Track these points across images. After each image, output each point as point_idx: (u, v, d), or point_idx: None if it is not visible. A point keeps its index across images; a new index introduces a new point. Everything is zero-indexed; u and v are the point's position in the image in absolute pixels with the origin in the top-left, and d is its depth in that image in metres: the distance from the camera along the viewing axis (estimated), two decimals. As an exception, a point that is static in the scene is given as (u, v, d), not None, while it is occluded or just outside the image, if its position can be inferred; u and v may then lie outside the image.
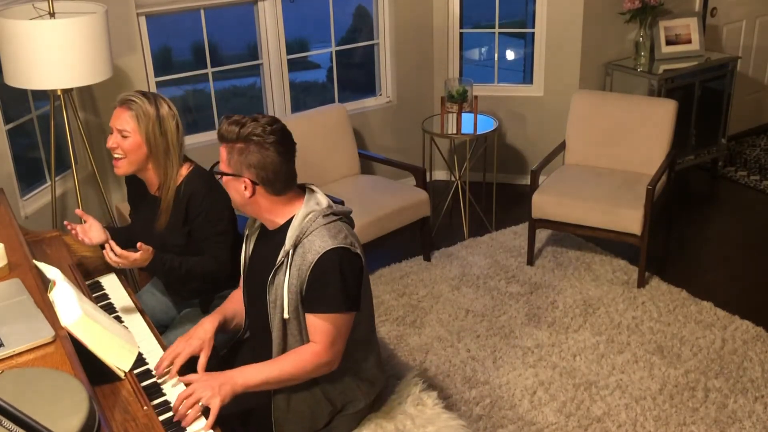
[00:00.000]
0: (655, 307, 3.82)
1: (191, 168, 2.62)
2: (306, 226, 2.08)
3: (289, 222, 2.13)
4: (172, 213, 2.57)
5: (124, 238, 2.70)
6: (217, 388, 1.98)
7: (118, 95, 2.56)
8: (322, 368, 2.13)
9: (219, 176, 2.14)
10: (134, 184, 2.73)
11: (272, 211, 2.14)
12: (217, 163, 2.15)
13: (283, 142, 2.09)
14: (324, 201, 2.17)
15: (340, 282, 2.05)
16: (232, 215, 2.60)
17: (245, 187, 2.09)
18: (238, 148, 2.06)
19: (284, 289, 2.09)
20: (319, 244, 2.05)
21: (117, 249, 2.37)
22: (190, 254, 2.58)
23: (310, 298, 2.08)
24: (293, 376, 2.11)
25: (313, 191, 2.18)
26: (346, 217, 2.19)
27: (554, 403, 3.19)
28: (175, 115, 2.55)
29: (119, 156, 2.53)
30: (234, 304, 2.38)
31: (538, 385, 3.29)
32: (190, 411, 1.94)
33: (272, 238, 2.17)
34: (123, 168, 2.55)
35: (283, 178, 2.11)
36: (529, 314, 3.80)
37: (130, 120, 2.49)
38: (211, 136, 4.49)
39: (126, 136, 2.49)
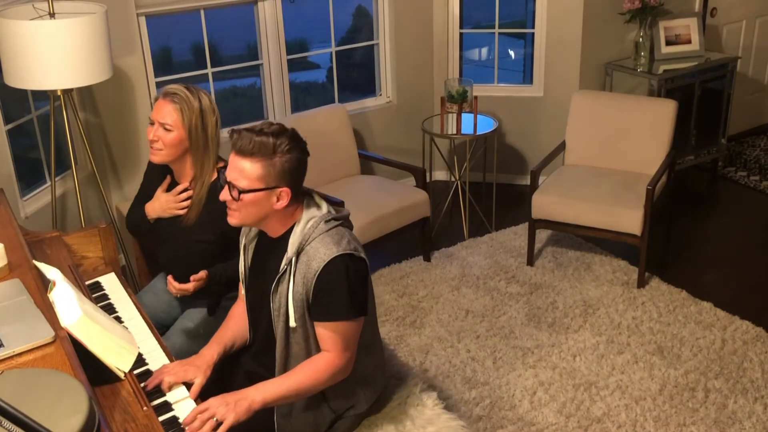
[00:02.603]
0: (655, 308, 3.82)
1: (224, 166, 2.61)
2: (308, 233, 2.07)
3: (290, 229, 2.12)
4: (204, 208, 2.58)
5: (148, 224, 2.72)
6: (232, 404, 1.96)
7: (163, 89, 2.54)
8: (338, 375, 2.12)
9: (240, 196, 2.02)
10: (159, 168, 2.70)
11: (282, 219, 2.11)
12: (232, 187, 2.04)
13: (304, 143, 2.09)
14: (323, 205, 2.16)
15: (346, 289, 2.04)
16: None
17: (278, 198, 2.05)
18: (278, 159, 2.01)
19: (288, 297, 2.08)
20: (324, 251, 2.03)
21: (175, 284, 2.41)
22: (217, 250, 2.59)
23: (318, 307, 2.06)
24: (310, 387, 2.09)
25: (311, 195, 2.18)
26: (346, 221, 2.18)
27: (554, 404, 3.19)
28: (215, 110, 2.55)
29: (160, 148, 2.52)
30: (232, 325, 2.34)
31: (538, 386, 3.29)
32: (204, 425, 1.91)
33: (273, 247, 2.15)
34: (161, 158, 2.55)
35: (303, 181, 2.11)
36: (529, 314, 3.80)
37: (174, 113, 2.48)
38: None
39: (169, 129, 2.48)
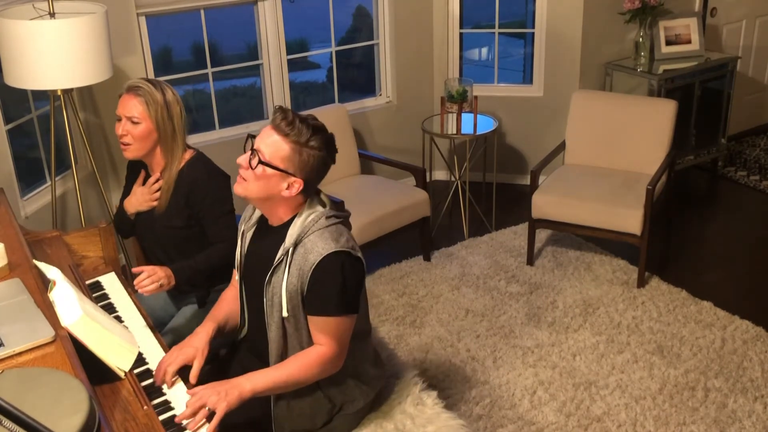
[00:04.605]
0: (655, 307, 3.82)
1: (193, 154, 2.68)
2: (308, 226, 2.09)
3: (290, 220, 2.14)
4: (173, 195, 2.63)
5: (128, 221, 2.79)
6: (223, 393, 1.98)
7: (126, 84, 2.60)
8: (328, 369, 2.14)
9: (258, 166, 2.04)
10: (137, 166, 2.76)
11: (285, 208, 2.14)
12: (254, 154, 2.04)
13: (335, 151, 2.13)
14: (327, 202, 2.19)
15: (340, 286, 2.06)
16: (231, 195, 2.65)
17: (288, 186, 2.07)
18: (307, 152, 2.04)
19: (282, 287, 2.09)
20: (322, 246, 2.05)
21: (144, 286, 2.41)
22: (189, 236, 2.66)
23: (311, 300, 2.08)
24: (300, 379, 2.11)
25: (317, 193, 2.20)
26: (345, 221, 2.20)
27: (554, 403, 3.19)
28: (179, 100, 2.61)
29: (129, 142, 2.57)
30: (225, 306, 2.36)
31: (537, 385, 3.29)
32: (198, 415, 1.92)
33: (271, 235, 2.17)
34: (132, 153, 2.60)
35: (318, 182, 2.14)
36: (529, 314, 3.80)
37: (139, 105, 2.53)
38: (211, 136, 4.49)
39: (136, 122, 2.53)
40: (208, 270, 2.62)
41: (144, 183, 2.74)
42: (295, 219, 2.12)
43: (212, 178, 2.64)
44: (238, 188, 2.12)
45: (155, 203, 2.68)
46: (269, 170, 2.05)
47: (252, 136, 2.12)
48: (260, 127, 2.12)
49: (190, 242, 2.66)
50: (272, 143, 2.04)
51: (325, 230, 2.09)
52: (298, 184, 2.07)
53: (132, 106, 2.53)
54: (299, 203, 2.14)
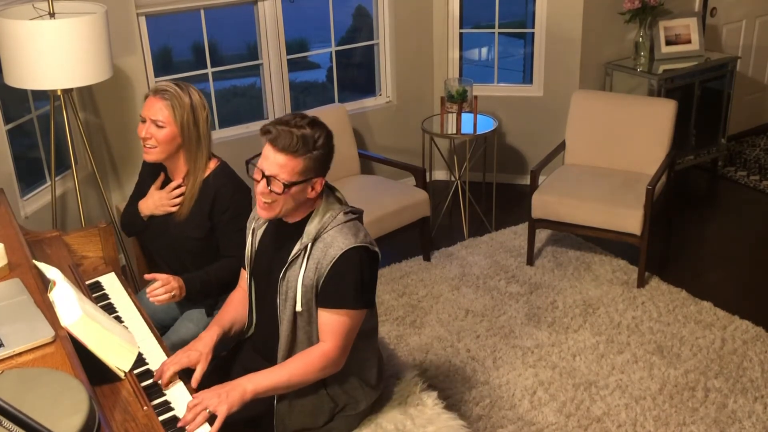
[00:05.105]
0: (655, 307, 3.82)
1: (218, 163, 2.65)
2: (327, 222, 2.12)
3: (306, 217, 2.15)
4: (196, 204, 2.59)
5: (141, 221, 2.74)
6: (224, 395, 1.98)
7: (152, 86, 2.57)
8: (330, 368, 2.15)
9: (285, 188, 2.04)
10: (155, 167, 2.70)
11: (303, 207, 2.14)
12: (273, 181, 2.03)
13: (331, 131, 2.14)
14: (342, 198, 2.22)
15: (358, 279, 2.09)
16: (251, 211, 2.63)
17: (312, 188, 2.10)
18: (317, 152, 2.06)
19: (298, 282, 2.11)
20: (342, 240, 2.09)
21: (159, 296, 2.38)
22: (207, 246, 2.62)
23: (327, 293, 2.10)
24: (302, 379, 2.12)
25: (331, 188, 2.22)
26: (360, 217, 2.23)
27: (554, 403, 3.19)
28: (205, 105, 2.58)
29: (153, 145, 2.53)
30: (231, 310, 2.36)
31: (537, 385, 3.29)
32: (197, 418, 1.92)
33: (284, 232, 2.18)
34: (154, 156, 2.55)
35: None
36: (529, 314, 3.80)
37: (165, 109, 2.49)
38: (212, 135, 4.48)
39: (161, 126, 2.50)
40: (218, 283, 2.60)
41: (162, 186, 2.69)
42: (313, 215, 2.14)
43: (237, 192, 2.60)
44: (266, 214, 2.11)
45: (174, 209, 2.63)
46: (294, 187, 2.06)
47: (253, 162, 2.11)
48: (260, 127, 2.09)
49: (207, 252, 2.63)
50: (285, 164, 2.03)
51: (343, 226, 2.12)
52: (319, 183, 2.11)
53: (157, 110, 2.49)
54: (315, 200, 2.16)
